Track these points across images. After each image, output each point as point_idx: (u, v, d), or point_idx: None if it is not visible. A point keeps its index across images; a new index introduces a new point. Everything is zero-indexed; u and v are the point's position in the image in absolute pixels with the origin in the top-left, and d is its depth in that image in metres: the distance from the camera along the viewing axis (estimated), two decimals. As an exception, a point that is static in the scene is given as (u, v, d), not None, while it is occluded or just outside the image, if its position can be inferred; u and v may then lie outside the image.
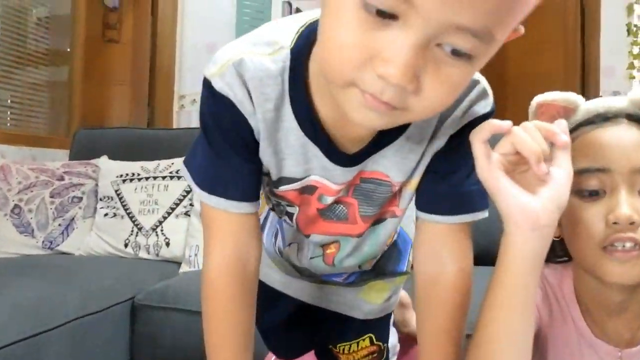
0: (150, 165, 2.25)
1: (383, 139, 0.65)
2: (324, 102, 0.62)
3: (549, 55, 3.63)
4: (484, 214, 0.69)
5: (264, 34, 0.64)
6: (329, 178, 0.69)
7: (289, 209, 0.77)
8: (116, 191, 2.20)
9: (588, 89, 3.46)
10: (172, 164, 2.24)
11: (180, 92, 3.70)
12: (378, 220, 0.78)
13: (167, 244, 2.08)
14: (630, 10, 3.29)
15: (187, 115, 3.67)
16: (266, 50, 0.62)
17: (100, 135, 2.52)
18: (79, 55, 2.90)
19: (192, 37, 3.74)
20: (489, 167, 0.57)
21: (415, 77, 0.45)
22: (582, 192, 0.66)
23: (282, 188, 0.71)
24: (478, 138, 0.57)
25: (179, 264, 2.05)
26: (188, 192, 2.18)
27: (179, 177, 2.21)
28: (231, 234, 0.69)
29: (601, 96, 3.39)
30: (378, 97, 0.47)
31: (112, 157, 2.34)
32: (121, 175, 2.23)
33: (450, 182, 0.68)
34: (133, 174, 2.23)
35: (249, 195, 0.69)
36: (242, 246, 0.69)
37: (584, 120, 0.70)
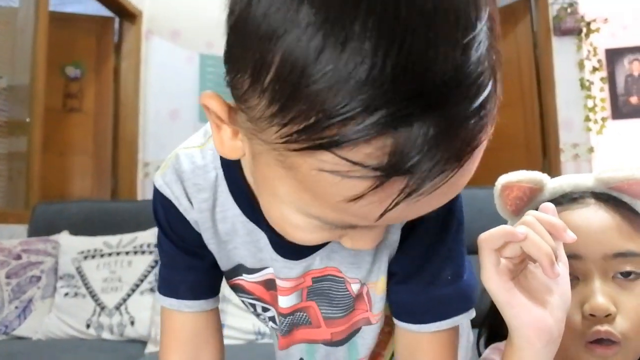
0: (113, 240, 2.17)
1: None
2: None
3: (509, 113, 3.74)
4: (469, 315, 0.61)
5: (202, 129, 0.63)
6: (278, 273, 0.62)
7: (268, 313, 0.71)
8: (77, 269, 2.09)
9: (548, 142, 3.56)
10: (136, 238, 2.16)
11: (144, 159, 3.65)
12: (354, 331, 0.69)
13: (132, 323, 1.97)
14: (581, 66, 3.44)
15: (152, 183, 3.60)
16: (199, 141, 0.62)
17: (61, 209, 2.43)
18: (38, 125, 2.83)
19: (155, 104, 3.73)
20: (498, 278, 0.51)
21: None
22: None
23: (246, 277, 0.66)
24: (488, 245, 0.51)
25: (144, 343, 1.94)
26: (153, 267, 2.09)
27: (142, 252, 2.13)
28: (183, 338, 0.66)
29: (562, 149, 3.49)
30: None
31: (74, 232, 2.25)
32: (82, 252, 2.13)
33: (415, 287, 0.59)
34: (95, 250, 2.14)
35: (202, 292, 0.66)
36: (195, 352, 0.66)
37: (550, 201, 0.68)
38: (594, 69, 3.44)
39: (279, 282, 0.63)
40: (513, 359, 0.53)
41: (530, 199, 0.69)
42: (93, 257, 2.12)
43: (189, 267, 0.65)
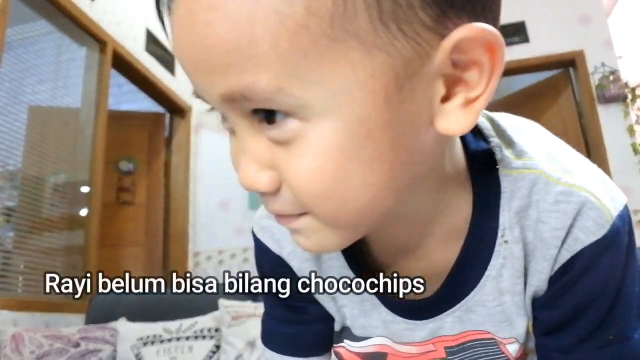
0: (173, 325, 2.12)
1: (460, 281, 0.48)
2: (374, 235, 0.49)
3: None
4: None
5: None
6: (396, 337, 0.53)
7: None
8: (136, 355, 2.02)
9: (606, 211, 3.42)
10: (196, 322, 2.11)
11: (194, 249, 3.65)
12: None
13: (195, 412, 1.86)
14: (631, 131, 3.38)
15: (202, 272, 3.58)
16: None
17: (118, 297, 2.40)
18: (96, 219, 2.89)
19: (205, 195, 3.79)
20: None
21: (265, 169, 0.35)
22: None
23: (348, 344, 0.58)
24: None
25: None
26: (214, 353, 2.01)
27: (203, 337, 2.07)
28: None
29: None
30: (274, 215, 0.39)
31: (131, 318, 2.20)
32: (142, 338, 2.07)
33: (562, 341, 0.47)
34: (155, 336, 2.08)
35: (303, 348, 0.59)
36: None
37: None
38: (646, 133, 3.37)
39: (400, 348, 0.54)
40: None
41: None
42: (152, 343, 2.06)
43: (287, 321, 0.59)
